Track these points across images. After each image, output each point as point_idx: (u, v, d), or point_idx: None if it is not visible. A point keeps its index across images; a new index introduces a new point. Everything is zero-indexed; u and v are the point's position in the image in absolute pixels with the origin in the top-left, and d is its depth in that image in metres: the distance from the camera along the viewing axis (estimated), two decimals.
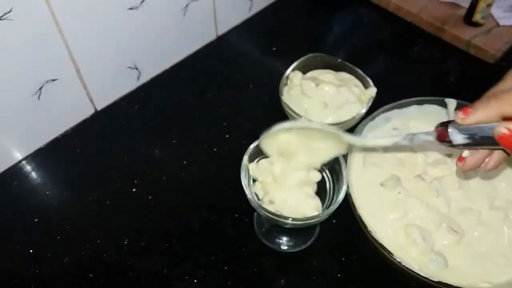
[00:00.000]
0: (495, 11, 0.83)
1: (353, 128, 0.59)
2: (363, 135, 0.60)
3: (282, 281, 0.55)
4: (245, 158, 0.52)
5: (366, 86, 0.62)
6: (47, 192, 0.62)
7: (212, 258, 0.56)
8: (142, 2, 0.64)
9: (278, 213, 0.49)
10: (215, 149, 0.66)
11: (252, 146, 0.52)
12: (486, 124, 0.40)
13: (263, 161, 0.53)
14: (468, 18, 0.80)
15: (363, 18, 0.87)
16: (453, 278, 0.49)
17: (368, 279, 0.55)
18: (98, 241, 0.57)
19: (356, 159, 0.58)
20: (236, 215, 0.59)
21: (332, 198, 0.52)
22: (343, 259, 0.56)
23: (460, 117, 0.41)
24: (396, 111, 0.62)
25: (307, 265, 0.56)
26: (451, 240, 0.52)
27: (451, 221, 0.53)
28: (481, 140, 0.41)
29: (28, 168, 0.64)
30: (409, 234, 0.52)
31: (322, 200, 0.51)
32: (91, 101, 0.68)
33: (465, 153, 0.45)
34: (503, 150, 0.44)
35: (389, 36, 0.84)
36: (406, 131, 0.61)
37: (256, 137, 0.53)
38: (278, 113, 0.61)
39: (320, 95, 0.59)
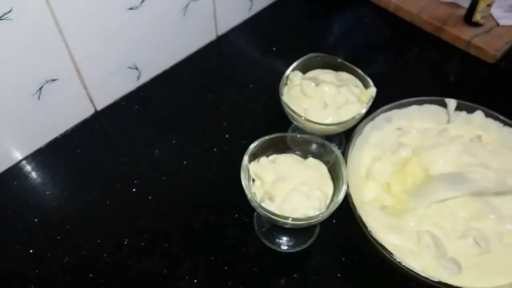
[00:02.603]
0: (495, 11, 0.83)
1: (353, 128, 0.59)
2: (364, 134, 0.60)
3: (282, 281, 0.55)
4: (245, 158, 0.52)
5: (366, 86, 0.61)
6: (47, 192, 0.62)
7: (212, 258, 0.56)
8: (142, 2, 0.64)
9: (278, 213, 0.49)
10: (215, 149, 0.66)
11: (252, 146, 0.52)
12: None
13: (263, 159, 0.53)
14: (468, 18, 0.80)
15: (363, 18, 0.87)
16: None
17: (368, 279, 0.55)
18: (98, 241, 0.57)
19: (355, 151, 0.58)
20: (236, 215, 0.59)
21: (332, 198, 0.52)
22: (343, 259, 0.56)
23: None
24: (396, 111, 0.62)
25: (307, 265, 0.56)
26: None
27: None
28: None
29: (28, 168, 0.64)
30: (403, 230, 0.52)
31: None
32: (91, 101, 0.68)
33: None
34: None
35: (389, 36, 0.84)
36: (410, 130, 0.61)
37: (256, 137, 0.53)
38: (278, 113, 0.61)
39: (320, 95, 0.59)
